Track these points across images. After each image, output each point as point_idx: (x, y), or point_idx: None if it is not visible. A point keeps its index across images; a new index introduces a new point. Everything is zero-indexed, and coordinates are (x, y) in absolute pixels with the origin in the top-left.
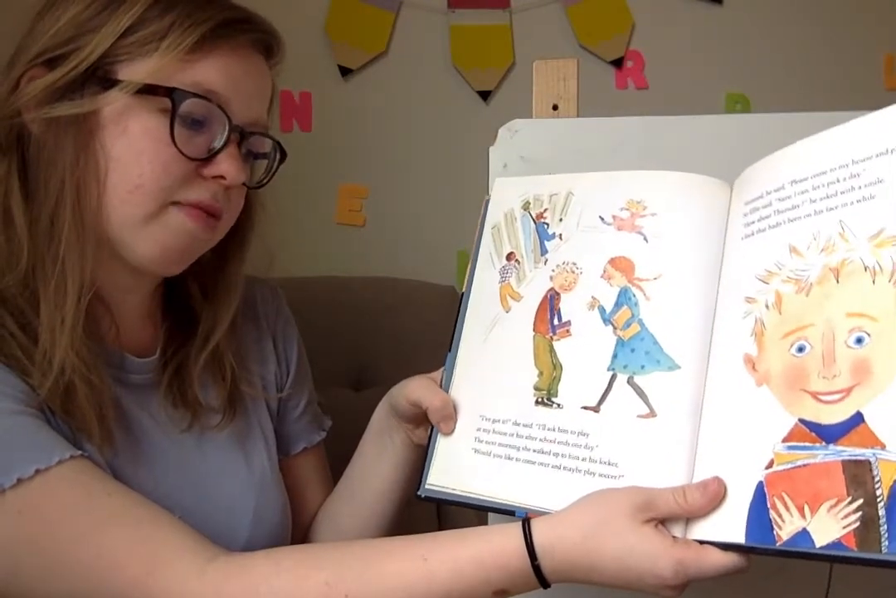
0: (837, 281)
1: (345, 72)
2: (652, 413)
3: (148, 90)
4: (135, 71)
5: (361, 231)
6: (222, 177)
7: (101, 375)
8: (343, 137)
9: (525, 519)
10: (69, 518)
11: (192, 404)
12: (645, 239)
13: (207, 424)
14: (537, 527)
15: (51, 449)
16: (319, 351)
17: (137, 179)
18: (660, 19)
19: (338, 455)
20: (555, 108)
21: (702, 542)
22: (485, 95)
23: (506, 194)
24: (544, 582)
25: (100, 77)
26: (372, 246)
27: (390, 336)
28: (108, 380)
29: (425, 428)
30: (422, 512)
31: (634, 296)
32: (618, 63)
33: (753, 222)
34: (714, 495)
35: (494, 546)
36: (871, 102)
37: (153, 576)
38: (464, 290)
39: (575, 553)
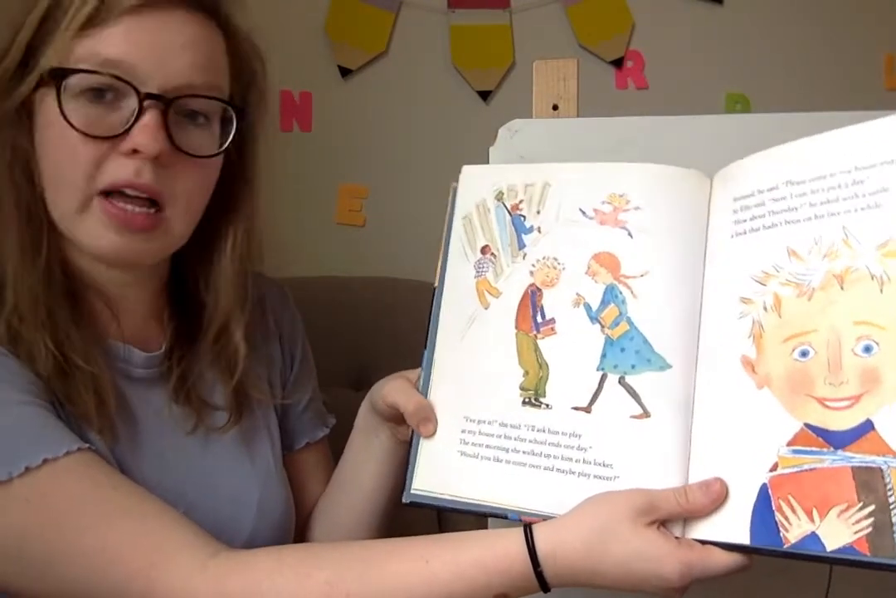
0: (842, 288)
1: (345, 72)
2: (645, 414)
3: (47, 75)
4: (47, 58)
5: (361, 231)
6: (134, 150)
7: (97, 363)
8: (343, 137)
9: (527, 525)
10: (75, 509)
11: (197, 404)
12: (629, 234)
13: (213, 424)
14: (540, 532)
15: (59, 440)
16: (319, 351)
17: (57, 170)
18: (660, 19)
19: (338, 454)
20: (555, 108)
21: (703, 542)
22: (485, 95)
23: (476, 184)
24: (545, 587)
25: (23, 70)
26: (372, 246)
27: (390, 336)
28: (106, 369)
29: (408, 426)
30: (422, 514)
31: (621, 293)
32: (618, 63)
33: (745, 221)
34: (717, 496)
35: (497, 551)
36: (871, 102)
37: (156, 570)
38: (436, 284)
39: (577, 559)
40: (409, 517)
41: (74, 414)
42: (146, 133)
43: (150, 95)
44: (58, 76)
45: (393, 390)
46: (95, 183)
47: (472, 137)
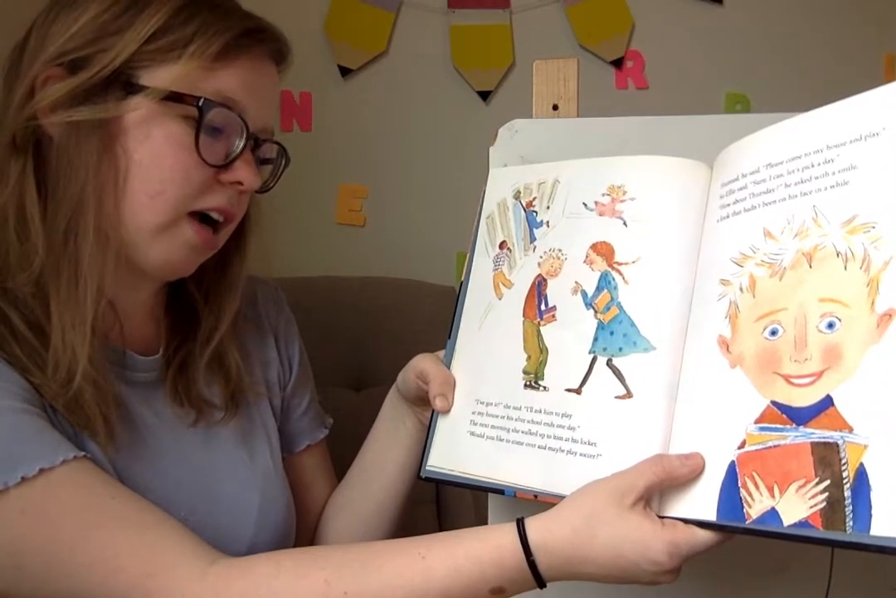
0: (810, 266)
1: (345, 72)
2: (629, 394)
3: (173, 97)
4: (159, 77)
5: (361, 231)
6: (239, 183)
7: (106, 374)
8: (343, 137)
9: (519, 518)
10: (71, 520)
11: (197, 403)
12: (624, 223)
13: (212, 419)
14: (531, 525)
15: (55, 449)
16: (319, 351)
17: (159, 185)
18: (660, 19)
19: (338, 455)
20: (555, 108)
21: (674, 519)
22: (485, 95)
23: (500, 184)
24: (540, 579)
25: (123, 82)
26: (372, 246)
27: (390, 336)
28: (112, 379)
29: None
30: (422, 513)
31: (614, 280)
32: (618, 63)
33: (729, 205)
34: (694, 467)
35: (490, 543)
36: None
37: (155, 580)
38: (462, 279)
39: (569, 547)
40: (410, 515)
41: (74, 425)
42: (250, 170)
43: (252, 135)
44: (197, 104)
45: (425, 359)
46: (193, 204)
47: (472, 137)
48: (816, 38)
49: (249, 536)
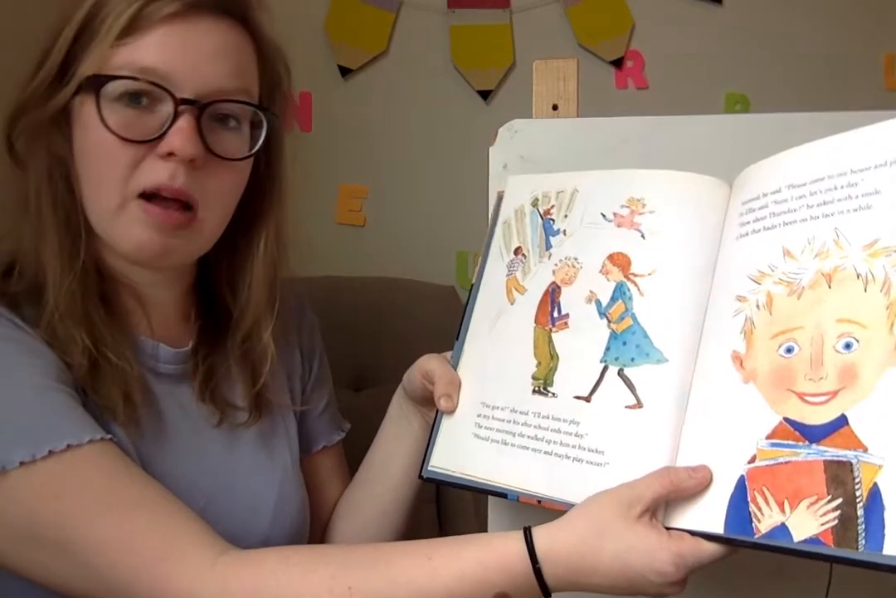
0: (829, 287)
1: (345, 72)
2: (639, 404)
3: (91, 82)
4: (86, 65)
5: (361, 231)
6: (171, 153)
7: (126, 357)
8: (343, 137)
9: (527, 527)
10: (92, 498)
11: (221, 404)
12: (642, 236)
13: (235, 421)
14: (538, 533)
15: (83, 428)
16: None
17: (96, 172)
18: (660, 19)
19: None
20: (555, 108)
21: (679, 530)
22: (485, 95)
23: (518, 191)
24: (545, 588)
25: (63, 75)
26: (372, 246)
27: (390, 336)
28: (135, 363)
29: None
30: (422, 513)
31: (629, 291)
32: (618, 63)
33: (748, 223)
34: (702, 479)
35: (496, 549)
36: (871, 102)
37: (165, 563)
38: (473, 282)
39: (575, 556)
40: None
41: (100, 406)
42: (181, 137)
43: (185, 101)
44: (97, 83)
45: (431, 360)
46: (132, 185)
47: (472, 137)
48: (816, 38)
49: (265, 529)
